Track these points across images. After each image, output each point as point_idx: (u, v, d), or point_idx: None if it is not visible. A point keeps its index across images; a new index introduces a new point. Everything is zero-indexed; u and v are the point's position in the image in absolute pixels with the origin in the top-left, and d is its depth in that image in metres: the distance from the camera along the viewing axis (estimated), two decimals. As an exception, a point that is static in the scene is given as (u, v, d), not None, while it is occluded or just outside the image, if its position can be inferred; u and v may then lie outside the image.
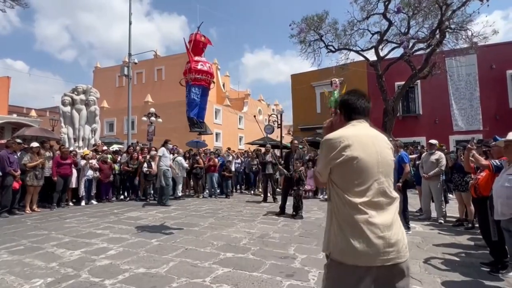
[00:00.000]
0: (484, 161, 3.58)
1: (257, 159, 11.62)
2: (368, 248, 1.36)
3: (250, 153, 12.33)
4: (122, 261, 3.76)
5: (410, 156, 7.28)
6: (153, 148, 10.95)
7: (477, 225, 4.86)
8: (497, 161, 3.48)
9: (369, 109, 1.65)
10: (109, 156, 9.49)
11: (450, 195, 8.72)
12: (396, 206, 1.49)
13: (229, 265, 3.63)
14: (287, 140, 20.84)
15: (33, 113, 29.30)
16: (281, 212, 7.05)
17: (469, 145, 3.90)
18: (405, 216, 5.33)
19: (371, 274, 1.38)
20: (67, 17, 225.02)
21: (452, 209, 6.95)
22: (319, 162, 1.57)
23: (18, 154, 7.45)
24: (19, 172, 6.99)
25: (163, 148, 8.82)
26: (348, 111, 1.63)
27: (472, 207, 5.35)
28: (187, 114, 5.71)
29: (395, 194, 1.50)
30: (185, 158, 11.37)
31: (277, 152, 15.04)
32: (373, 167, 1.45)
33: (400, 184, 5.25)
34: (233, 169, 11.34)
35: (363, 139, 1.49)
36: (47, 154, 8.10)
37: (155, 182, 9.79)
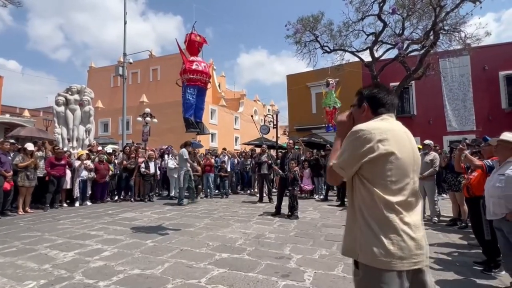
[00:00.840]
0: (477, 162, 3.62)
1: (250, 159, 11.62)
2: (401, 250, 1.28)
3: (245, 153, 12.31)
4: (117, 262, 3.74)
5: None
6: (149, 149, 10.94)
7: (470, 224, 4.91)
8: (489, 161, 3.53)
9: (396, 106, 1.55)
10: (105, 156, 9.42)
11: (444, 195, 8.81)
12: (421, 207, 1.43)
13: (225, 265, 3.62)
14: (283, 140, 20.88)
15: (26, 113, 28.98)
16: (277, 213, 7.06)
17: (460, 146, 3.95)
18: None
19: (403, 278, 1.30)
20: (61, 16, 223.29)
21: (446, 208, 7.02)
22: (344, 155, 1.40)
23: (12, 155, 7.36)
24: (11, 173, 6.89)
25: (184, 150, 8.86)
26: (376, 105, 1.51)
27: (466, 207, 5.40)
28: (183, 115, 5.69)
29: (420, 194, 1.46)
30: (161, 157, 11.32)
31: (273, 152, 15.06)
32: (409, 165, 1.37)
33: None
34: (228, 169, 11.31)
35: (399, 135, 1.39)
36: (39, 153, 8.02)
37: (153, 183, 9.77)
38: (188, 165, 8.72)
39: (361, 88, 1.60)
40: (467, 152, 3.86)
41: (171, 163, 10.16)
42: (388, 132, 1.36)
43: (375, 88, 1.56)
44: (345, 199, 8.45)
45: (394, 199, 1.33)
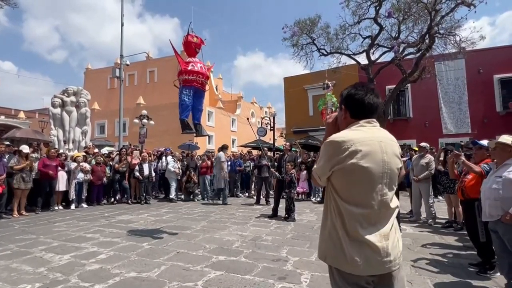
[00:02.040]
0: (477, 168, 3.57)
1: (249, 161, 11.61)
2: (362, 258, 1.30)
3: (243, 155, 12.30)
4: (113, 265, 3.71)
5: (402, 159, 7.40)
6: (145, 151, 10.89)
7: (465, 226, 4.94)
8: (486, 165, 3.54)
9: (378, 106, 1.46)
10: (101, 159, 9.37)
11: (440, 197, 8.85)
12: (394, 215, 1.42)
13: (222, 268, 3.61)
14: (280, 142, 20.91)
15: (21, 114, 28.77)
16: (274, 215, 7.06)
17: (455, 151, 3.95)
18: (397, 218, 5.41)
19: (364, 283, 1.35)
20: (57, 18, 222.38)
21: (442, 210, 7.07)
22: (320, 163, 1.43)
23: (6, 157, 7.30)
24: (4, 175, 6.79)
25: (221, 153, 9.02)
26: (355, 108, 1.45)
27: (461, 209, 5.44)
28: (179, 116, 5.69)
29: (395, 204, 1.42)
30: (159, 158, 11.31)
31: (270, 154, 15.07)
32: (378, 178, 1.35)
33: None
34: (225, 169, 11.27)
35: (372, 146, 1.36)
36: (34, 155, 7.96)
37: (148, 185, 9.72)
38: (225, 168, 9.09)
39: (345, 89, 1.54)
40: (463, 158, 3.85)
41: (171, 165, 10.10)
42: (361, 143, 1.34)
43: (353, 88, 1.49)
44: None
45: (357, 210, 1.34)
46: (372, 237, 1.33)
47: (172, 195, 9.95)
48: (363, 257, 1.31)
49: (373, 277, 1.35)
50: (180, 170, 10.33)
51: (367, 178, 1.34)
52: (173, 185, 10.05)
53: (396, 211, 1.44)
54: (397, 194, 4.91)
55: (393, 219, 1.42)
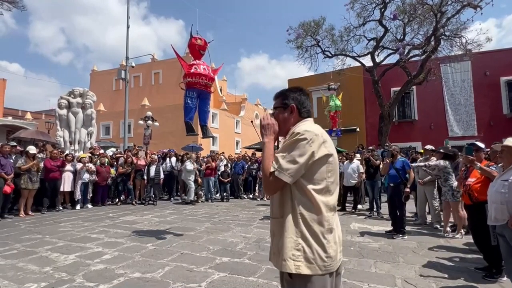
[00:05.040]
0: (495, 173, 3.49)
1: (256, 164, 11.62)
2: (334, 250, 1.35)
3: (248, 157, 12.30)
4: (117, 265, 3.73)
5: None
6: (151, 152, 10.94)
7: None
8: (495, 167, 3.49)
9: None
10: (106, 159, 9.45)
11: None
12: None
13: (225, 269, 3.61)
14: (283, 144, 20.85)
15: (28, 115, 29.08)
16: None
17: (469, 157, 3.83)
18: (402, 221, 5.39)
19: (333, 278, 1.37)
20: (63, 20, 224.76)
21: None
22: (290, 159, 1.32)
23: (13, 158, 7.39)
24: (11, 175, 6.88)
25: (188, 162, 9.05)
26: (301, 108, 1.53)
27: (461, 213, 5.36)
28: (184, 119, 5.71)
29: None
30: (181, 161, 11.37)
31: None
32: (337, 166, 1.46)
33: (408, 190, 5.40)
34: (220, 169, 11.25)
35: (329, 137, 1.46)
36: (40, 155, 8.05)
37: (154, 187, 9.76)
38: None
39: (284, 90, 1.61)
40: (479, 164, 3.72)
41: (189, 167, 9.90)
42: (324, 134, 1.42)
43: (298, 90, 1.59)
44: (346, 204, 8.43)
45: (332, 200, 1.39)
46: (338, 230, 1.42)
47: (192, 197, 9.87)
48: (334, 250, 1.35)
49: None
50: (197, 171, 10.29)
51: (335, 165, 1.43)
52: (192, 186, 9.97)
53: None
54: (401, 197, 4.76)
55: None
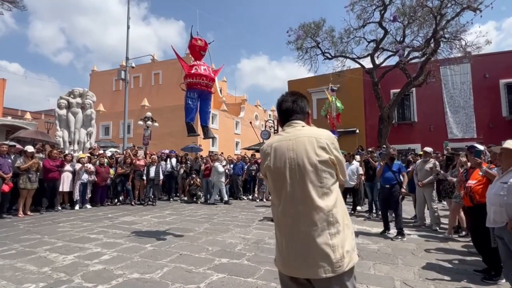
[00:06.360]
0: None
1: (255, 165, 11.61)
2: (279, 256, 1.51)
3: (247, 158, 12.30)
4: (116, 266, 3.73)
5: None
6: (150, 153, 10.94)
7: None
8: (496, 170, 3.49)
9: (297, 107, 1.57)
10: (106, 160, 9.44)
11: (444, 202, 8.75)
12: (323, 215, 1.36)
13: (224, 270, 3.61)
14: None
15: (28, 115, 29.08)
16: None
17: (476, 159, 3.83)
18: (400, 222, 5.42)
19: (288, 282, 1.50)
20: (63, 20, 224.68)
21: (446, 216, 6.99)
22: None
23: (12, 157, 7.38)
24: (10, 174, 6.87)
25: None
26: (279, 116, 1.63)
27: (462, 214, 5.38)
28: (185, 120, 5.72)
29: (322, 202, 1.37)
30: (181, 162, 11.38)
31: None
32: (284, 174, 1.43)
33: (404, 190, 5.61)
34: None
35: (282, 145, 1.47)
36: (40, 155, 8.04)
37: (154, 187, 9.75)
38: None
39: (301, 93, 1.69)
40: (486, 168, 3.69)
41: (220, 169, 9.93)
42: (269, 146, 1.52)
43: (278, 99, 1.64)
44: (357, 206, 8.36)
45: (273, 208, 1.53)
46: (282, 238, 1.48)
47: (225, 197, 10.02)
48: (279, 256, 1.51)
49: (297, 280, 1.43)
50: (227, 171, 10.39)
51: (275, 174, 1.46)
52: (223, 187, 10.10)
53: (327, 210, 1.36)
54: (397, 198, 4.76)
55: (310, 219, 1.36)
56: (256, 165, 11.58)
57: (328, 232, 1.34)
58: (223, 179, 9.98)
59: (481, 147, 4.03)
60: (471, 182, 3.88)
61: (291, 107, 1.56)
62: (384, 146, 10.76)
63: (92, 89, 19.55)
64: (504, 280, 3.26)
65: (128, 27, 15.90)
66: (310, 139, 1.43)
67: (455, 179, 5.83)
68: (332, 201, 1.38)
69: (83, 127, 10.97)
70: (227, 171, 11.10)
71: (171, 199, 10.90)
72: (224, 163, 11.34)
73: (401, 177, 5.64)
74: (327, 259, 1.31)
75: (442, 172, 6.29)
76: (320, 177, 1.38)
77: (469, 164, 4.50)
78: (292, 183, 1.39)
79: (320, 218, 1.35)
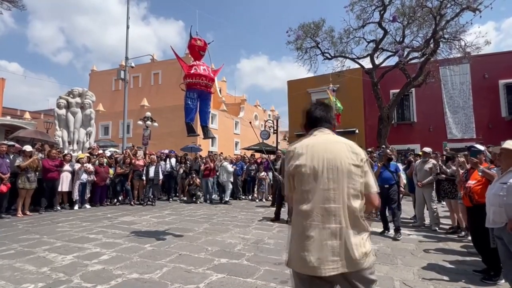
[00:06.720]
0: (496, 175, 3.51)
1: (254, 165, 11.61)
2: (310, 254, 1.49)
3: (247, 158, 12.28)
4: (115, 266, 3.72)
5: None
6: (150, 152, 10.93)
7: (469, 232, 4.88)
8: (495, 170, 3.49)
9: (326, 116, 1.72)
10: (105, 160, 9.43)
11: (444, 202, 8.76)
12: (342, 212, 1.48)
13: (224, 271, 3.60)
14: (283, 146, 20.89)
15: (27, 115, 29.04)
16: (276, 218, 7.04)
17: (473, 159, 3.84)
18: (399, 219, 5.50)
19: (307, 282, 1.55)
20: (62, 20, 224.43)
21: (446, 216, 6.99)
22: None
23: (11, 157, 7.36)
24: (7, 175, 6.85)
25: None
26: (307, 121, 1.75)
27: (461, 215, 5.38)
28: (184, 120, 5.71)
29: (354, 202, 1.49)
30: (180, 162, 11.36)
31: (272, 157, 15.04)
32: (319, 173, 1.50)
33: (403, 189, 5.81)
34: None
35: (317, 146, 1.56)
36: (40, 155, 8.03)
37: (153, 187, 9.74)
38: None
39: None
40: (482, 167, 3.74)
41: (230, 168, 10.10)
42: (306, 146, 1.58)
43: (309, 106, 1.79)
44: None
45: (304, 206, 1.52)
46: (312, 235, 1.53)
47: (227, 198, 10.05)
48: (311, 254, 1.50)
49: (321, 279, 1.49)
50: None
51: (307, 175, 1.52)
52: (230, 187, 10.18)
53: (358, 210, 1.49)
54: (391, 197, 4.85)
55: (343, 217, 1.47)
56: (256, 165, 11.57)
57: (356, 230, 1.47)
58: (231, 179, 10.02)
59: (481, 148, 4.04)
60: (470, 183, 3.88)
61: (320, 116, 1.71)
62: (383, 146, 10.76)
63: (92, 89, 19.53)
64: (503, 281, 3.26)
65: (127, 27, 15.89)
66: (343, 145, 1.58)
67: (449, 171, 5.91)
68: (360, 204, 1.51)
69: (82, 127, 10.96)
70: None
71: (171, 199, 10.88)
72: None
73: (397, 178, 5.77)
74: (353, 255, 1.43)
75: (443, 167, 6.31)
76: (353, 179, 1.50)
77: (468, 165, 4.52)
78: (328, 182, 1.48)
79: (350, 217, 1.47)
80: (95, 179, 8.85)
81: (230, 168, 10.04)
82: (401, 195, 5.73)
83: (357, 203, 1.49)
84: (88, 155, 9.29)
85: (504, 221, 2.83)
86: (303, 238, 1.47)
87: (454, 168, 5.90)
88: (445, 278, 3.51)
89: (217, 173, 10.68)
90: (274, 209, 7.52)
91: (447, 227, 6.18)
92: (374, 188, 1.57)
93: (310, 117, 1.73)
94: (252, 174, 11.46)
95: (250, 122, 13.44)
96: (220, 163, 10.44)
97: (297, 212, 1.53)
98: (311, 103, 1.79)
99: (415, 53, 13.40)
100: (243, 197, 11.45)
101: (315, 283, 1.46)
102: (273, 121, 19.12)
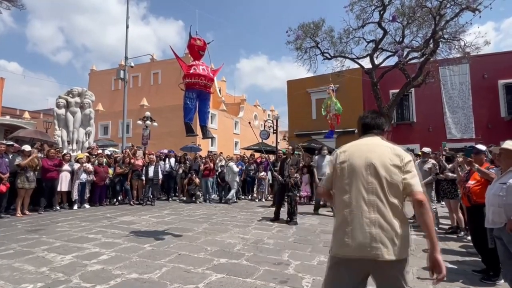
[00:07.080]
0: (493, 175, 3.51)
1: (254, 165, 11.60)
2: (350, 239, 1.65)
3: (247, 158, 12.28)
4: (114, 266, 3.72)
5: None
6: (149, 152, 10.92)
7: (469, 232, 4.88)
8: (494, 170, 3.50)
9: (375, 123, 1.90)
10: (104, 159, 9.42)
11: (443, 202, 8.77)
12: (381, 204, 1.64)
13: (223, 271, 3.60)
14: (282, 145, 20.89)
15: (26, 115, 29.00)
16: (276, 218, 7.04)
17: (468, 159, 3.86)
18: None
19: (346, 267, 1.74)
20: (61, 19, 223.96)
21: (445, 216, 7.00)
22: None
23: (10, 157, 7.35)
24: (7, 174, 6.84)
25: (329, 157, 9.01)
26: (359, 127, 1.97)
27: (461, 215, 5.39)
28: (183, 120, 5.71)
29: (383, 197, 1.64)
30: (180, 162, 11.36)
31: (272, 157, 15.05)
32: (361, 168, 1.69)
33: None
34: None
35: (361, 147, 1.78)
36: (40, 155, 8.02)
37: (153, 187, 9.73)
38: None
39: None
40: (477, 165, 3.75)
41: (235, 168, 10.12)
42: (349, 147, 1.84)
43: (361, 114, 2.04)
44: None
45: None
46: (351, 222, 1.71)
47: (231, 197, 10.05)
48: (350, 239, 1.69)
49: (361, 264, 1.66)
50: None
51: (349, 170, 1.74)
52: (235, 188, 10.18)
53: (394, 205, 1.66)
54: None
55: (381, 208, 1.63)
56: (255, 165, 11.56)
57: (394, 222, 1.61)
58: (237, 179, 10.04)
59: (483, 147, 4.03)
60: (470, 183, 3.89)
61: (370, 122, 1.91)
62: None
63: (91, 89, 19.51)
64: (502, 281, 3.26)
65: (127, 27, 15.86)
66: (387, 148, 1.74)
67: (450, 174, 5.90)
68: (400, 200, 1.67)
69: (81, 126, 10.94)
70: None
71: (170, 199, 10.88)
72: (223, 163, 11.33)
73: None
74: (391, 243, 1.57)
75: (444, 164, 6.31)
76: (391, 177, 1.65)
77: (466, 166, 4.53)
78: (366, 177, 1.66)
79: (389, 209, 1.62)
80: (95, 179, 8.85)
81: (236, 168, 10.04)
82: None
83: (395, 199, 1.63)
84: (87, 155, 9.28)
85: (503, 221, 2.83)
86: (344, 224, 1.64)
87: (449, 166, 5.94)
88: (444, 278, 3.50)
89: (217, 173, 10.69)
90: (273, 209, 7.53)
91: (447, 227, 6.19)
92: (415, 186, 1.67)
93: (361, 123, 1.94)
94: (252, 174, 11.46)
95: (250, 122, 13.46)
96: (226, 163, 10.45)
97: (339, 202, 1.72)
98: (364, 112, 2.03)
99: (414, 53, 13.40)
100: (243, 197, 11.45)
101: (349, 268, 1.64)
102: (272, 121, 19.11)
